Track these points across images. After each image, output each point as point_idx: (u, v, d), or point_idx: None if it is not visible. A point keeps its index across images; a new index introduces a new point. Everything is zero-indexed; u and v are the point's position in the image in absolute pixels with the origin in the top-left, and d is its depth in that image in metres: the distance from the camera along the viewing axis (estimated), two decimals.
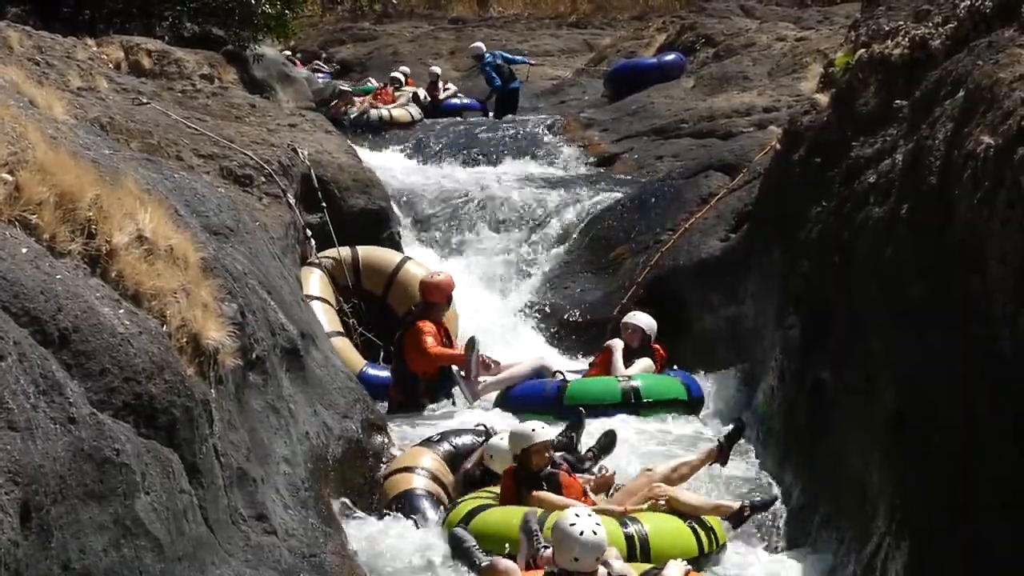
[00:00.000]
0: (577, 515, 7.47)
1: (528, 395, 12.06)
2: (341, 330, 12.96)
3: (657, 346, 12.53)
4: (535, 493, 8.83)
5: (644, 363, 12.29)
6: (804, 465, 9.69)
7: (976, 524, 6.48)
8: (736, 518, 9.19)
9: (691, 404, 12.06)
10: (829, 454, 9.20)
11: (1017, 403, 6.14)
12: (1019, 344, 6.16)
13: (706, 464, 9.78)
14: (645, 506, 8.91)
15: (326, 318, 12.66)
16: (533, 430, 9.13)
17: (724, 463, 9.92)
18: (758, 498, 9.58)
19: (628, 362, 12.25)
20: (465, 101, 25.98)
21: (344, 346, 12.55)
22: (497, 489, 9.26)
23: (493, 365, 12.34)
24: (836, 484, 8.89)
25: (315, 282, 13.15)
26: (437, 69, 27.40)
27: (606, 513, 8.37)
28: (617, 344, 12.41)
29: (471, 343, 12.18)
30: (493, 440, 9.79)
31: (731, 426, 10.32)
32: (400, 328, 12.46)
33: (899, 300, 8.17)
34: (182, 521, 6.45)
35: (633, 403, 11.72)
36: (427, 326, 12.14)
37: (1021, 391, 6.09)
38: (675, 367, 12.63)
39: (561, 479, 9.04)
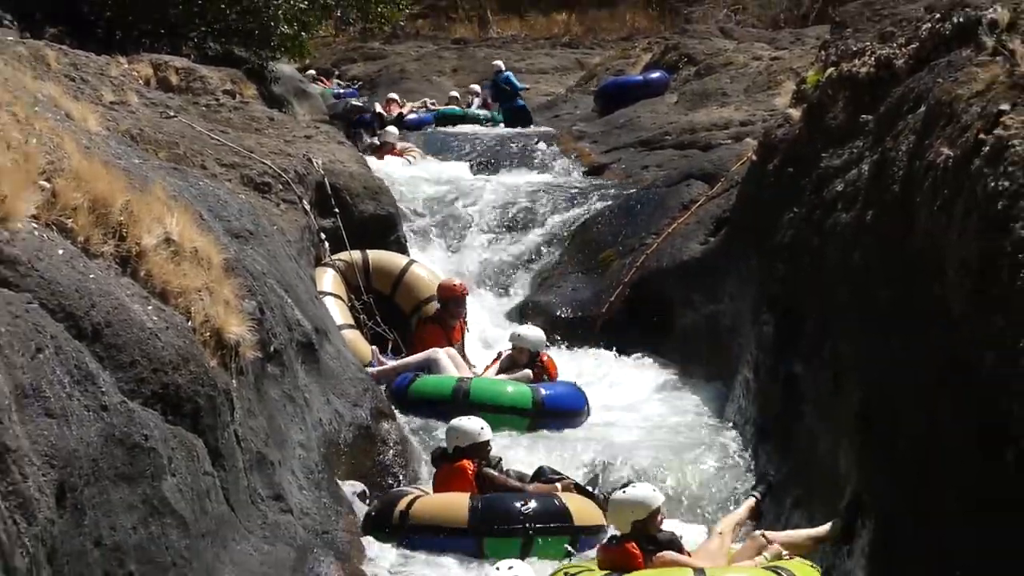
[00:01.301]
0: (497, 568, 7.13)
1: (392, 387, 11.70)
2: (352, 323, 12.97)
3: (547, 357, 12.17)
4: (664, 555, 7.45)
5: (522, 373, 11.84)
6: (777, 451, 9.68)
7: (936, 511, 6.45)
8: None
9: (537, 415, 11.32)
10: (801, 442, 9.18)
11: (978, 404, 6.07)
12: (978, 347, 6.12)
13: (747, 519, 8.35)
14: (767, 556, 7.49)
15: (338, 312, 12.67)
16: (654, 491, 7.79)
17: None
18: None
19: (514, 371, 11.91)
20: (423, 116, 25.99)
21: (355, 338, 12.56)
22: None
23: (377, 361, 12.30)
24: (807, 469, 8.87)
25: (328, 280, 13.14)
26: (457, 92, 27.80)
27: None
28: (503, 355, 12.13)
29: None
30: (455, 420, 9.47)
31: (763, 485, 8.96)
32: (412, 325, 12.65)
33: (866, 302, 8.15)
34: (205, 501, 6.45)
35: (462, 403, 11.01)
36: (429, 330, 12.52)
37: (981, 391, 6.04)
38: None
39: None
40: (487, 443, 9.27)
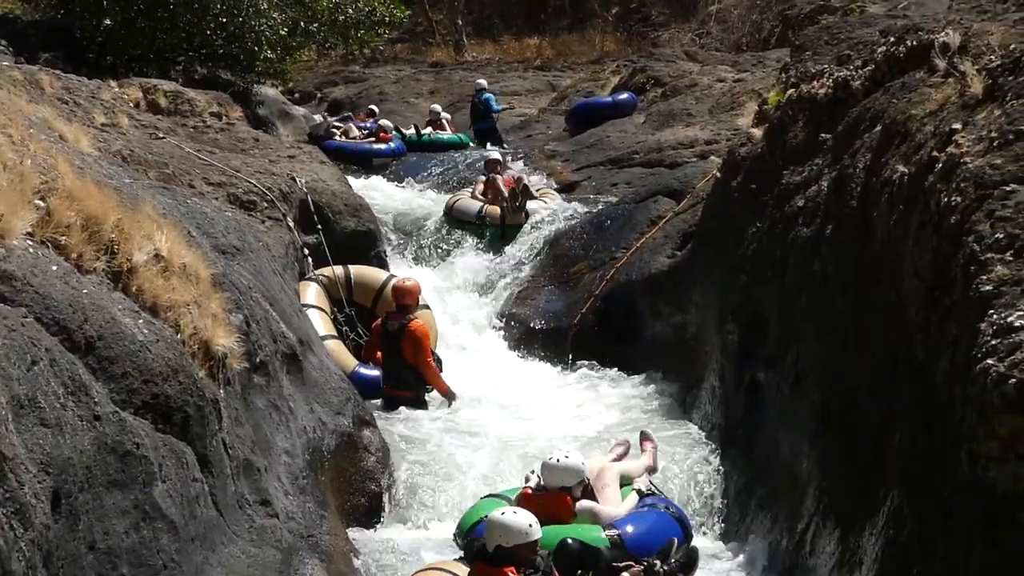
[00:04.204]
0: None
1: None
2: (335, 334, 12.93)
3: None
4: None
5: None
6: (742, 454, 9.70)
7: (894, 514, 6.46)
8: None
9: None
10: (764, 444, 9.21)
11: (933, 409, 6.06)
12: (932, 355, 6.14)
13: None
14: None
15: (321, 324, 12.63)
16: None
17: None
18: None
19: None
20: (354, 145, 24.52)
21: (338, 348, 12.52)
22: None
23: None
24: (770, 471, 8.89)
25: (312, 294, 13.13)
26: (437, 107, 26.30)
27: None
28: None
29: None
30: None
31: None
32: (391, 332, 12.44)
33: (825, 310, 8.19)
34: (195, 506, 6.43)
35: None
36: (425, 334, 12.25)
37: (935, 397, 6.04)
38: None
39: None
40: (535, 543, 7.32)
